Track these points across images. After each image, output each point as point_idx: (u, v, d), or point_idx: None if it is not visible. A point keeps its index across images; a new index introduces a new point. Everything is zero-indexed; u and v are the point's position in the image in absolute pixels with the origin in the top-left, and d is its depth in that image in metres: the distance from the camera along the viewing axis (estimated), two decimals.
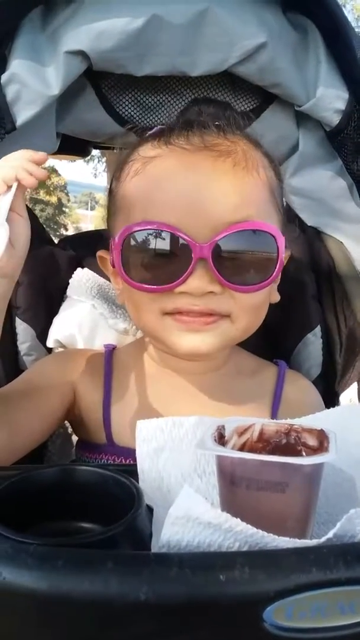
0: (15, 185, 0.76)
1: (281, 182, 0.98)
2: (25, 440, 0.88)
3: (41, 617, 0.45)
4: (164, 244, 0.82)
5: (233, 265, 0.83)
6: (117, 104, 1.09)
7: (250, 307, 0.87)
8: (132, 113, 1.10)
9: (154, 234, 0.82)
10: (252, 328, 0.92)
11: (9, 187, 0.76)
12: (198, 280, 0.82)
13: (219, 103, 1.00)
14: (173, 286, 0.83)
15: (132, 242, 0.84)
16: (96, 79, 1.05)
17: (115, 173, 0.96)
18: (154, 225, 0.82)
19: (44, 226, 1.40)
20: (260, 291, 0.86)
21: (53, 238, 1.31)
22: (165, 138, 0.89)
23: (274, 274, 0.86)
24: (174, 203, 0.83)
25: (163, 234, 0.82)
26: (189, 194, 0.83)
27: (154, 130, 0.94)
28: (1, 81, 0.92)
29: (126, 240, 0.84)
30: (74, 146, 1.23)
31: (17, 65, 0.91)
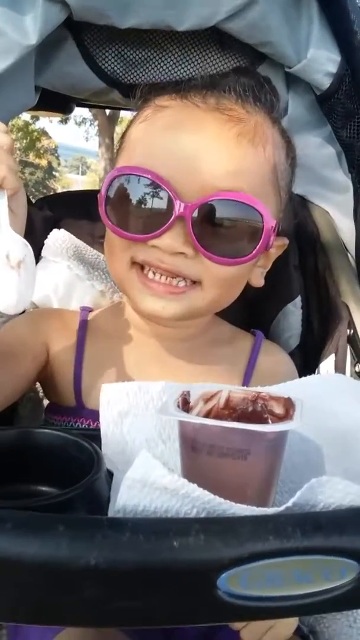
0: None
1: (293, 168, 0.95)
2: (1, 402, 0.86)
3: None
4: (148, 194, 0.81)
5: (212, 233, 0.81)
6: (100, 58, 1.04)
7: (220, 279, 0.85)
8: (116, 68, 1.06)
9: (142, 182, 0.81)
10: (221, 302, 0.91)
11: None
12: (172, 238, 0.81)
13: (259, 76, 0.96)
14: (147, 238, 0.82)
15: (119, 185, 0.84)
16: (78, 31, 1.00)
17: (131, 119, 0.95)
18: (144, 172, 0.81)
19: (34, 190, 1.35)
20: (234, 267, 0.84)
21: None
22: (184, 92, 0.88)
23: (252, 254, 0.83)
24: (169, 155, 0.82)
25: (150, 184, 0.81)
26: (185, 150, 0.82)
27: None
28: None
29: (114, 181, 0.84)
30: (54, 101, 1.18)
31: None
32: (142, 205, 0.82)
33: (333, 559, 0.45)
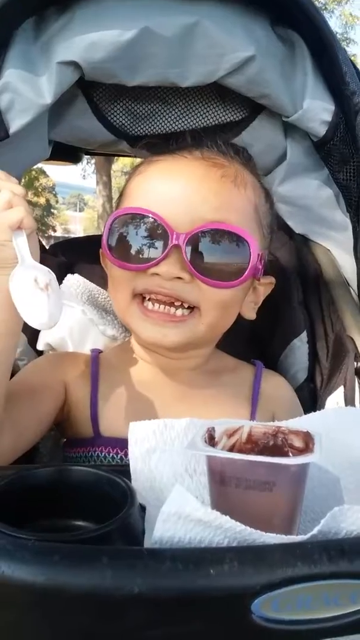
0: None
1: (271, 210, 1.04)
2: (27, 440, 0.91)
3: (39, 610, 0.47)
4: (147, 229, 0.91)
5: (205, 259, 0.90)
6: (109, 113, 1.11)
7: (216, 302, 0.93)
8: (124, 121, 1.12)
9: (140, 218, 0.91)
10: (219, 327, 0.98)
11: (18, 229, 0.79)
12: (169, 265, 0.89)
13: (234, 144, 1.07)
14: (148, 266, 0.90)
15: (120, 224, 0.93)
16: (88, 88, 1.07)
17: (127, 177, 1.05)
18: (143, 211, 0.91)
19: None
20: (227, 290, 0.92)
21: (41, 239, 1.33)
22: (173, 150, 0.99)
23: (243, 277, 0.92)
24: (163, 196, 0.93)
25: (147, 219, 0.91)
26: (177, 190, 0.93)
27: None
28: None
29: (115, 221, 0.93)
30: (65, 152, 1.25)
31: (10, 74, 0.93)
32: (142, 239, 0.91)
33: (358, 582, 0.48)
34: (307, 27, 0.99)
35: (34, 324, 0.77)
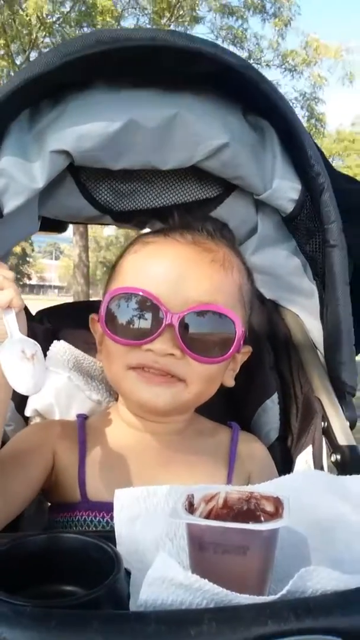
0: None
1: (252, 287, 1.13)
2: (17, 507, 0.95)
3: None
4: (142, 308, 0.98)
5: (195, 338, 0.97)
6: (95, 192, 1.20)
7: (203, 376, 1.00)
8: (108, 199, 1.21)
9: (136, 298, 0.98)
10: (203, 395, 1.05)
11: (8, 308, 0.88)
12: (163, 343, 0.96)
13: (218, 222, 1.16)
14: (142, 343, 0.97)
15: (117, 302, 1.00)
16: (76, 171, 1.16)
17: (120, 253, 1.13)
18: (139, 291, 0.98)
19: None
20: (214, 365, 1.00)
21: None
22: (165, 232, 1.07)
23: (228, 354, 1.00)
24: (157, 277, 0.99)
25: (143, 299, 0.97)
26: (171, 273, 1.00)
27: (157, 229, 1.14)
28: None
29: (113, 299, 1.00)
30: (52, 224, 1.33)
31: (5, 161, 1.01)
32: (137, 317, 0.98)
33: (322, 637, 0.54)
34: (275, 116, 1.09)
35: (21, 390, 0.85)
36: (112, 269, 1.12)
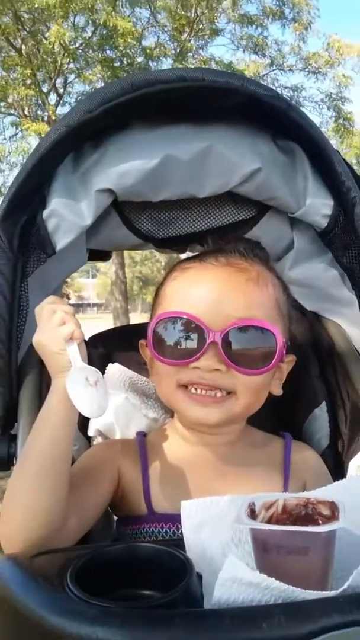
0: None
1: (289, 299, 1.18)
2: (90, 521, 1.03)
3: None
4: (186, 329, 1.04)
5: (238, 352, 1.03)
6: (137, 222, 1.28)
7: (250, 387, 1.06)
8: (150, 228, 1.29)
9: (180, 320, 1.05)
10: (253, 406, 1.11)
11: (70, 340, 0.96)
12: (208, 359, 1.03)
13: (251, 241, 1.22)
14: (189, 362, 1.04)
15: (163, 326, 1.07)
16: (119, 205, 1.24)
17: (161, 281, 1.20)
18: (182, 314, 1.05)
19: None
20: (259, 375, 1.06)
21: None
22: (200, 257, 1.14)
23: (271, 364, 1.05)
24: (198, 300, 1.06)
25: (187, 321, 1.04)
26: (209, 294, 1.07)
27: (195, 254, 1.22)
28: (43, 216, 1.11)
29: (159, 323, 1.07)
30: (99, 255, 1.42)
31: (55, 202, 1.11)
32: (182, 338, 1.05)
33: None
34: (303, 138, 1.15)
35: (87, 413, 0.94)
36: (155, 296, 1.20)
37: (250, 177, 1.16)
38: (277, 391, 1.15)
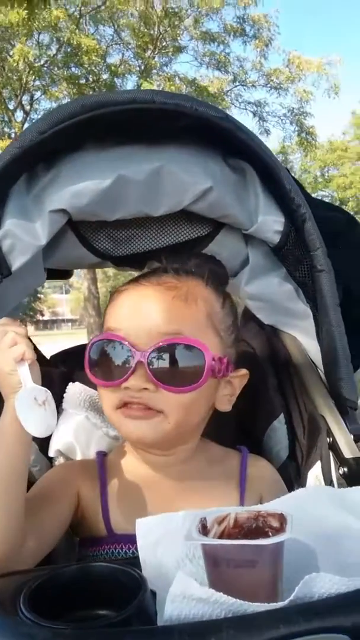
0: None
1: (230, 312, 1.19)
2: (49, 543, 1.03)
3: None
4: (115, 350, 1.07)
5: (164, 370, 1.05)
6: (94, 241, 1.29)
7: (179, 405, 1.06)
8: (107, 246, 1.30)
9: (110, 343, 1.08)
10: (186, 424, 1.10)
11: (21, 361, 0.98)
12: (137, 379, 1.04)
13: (206, 256, 1.26)
14: (120, 382, 1.06)
15: (95, 349, 1.10)
16: (75, 224, 1.25)
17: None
18: (110, 336, 1.08)
19: (22, 314, 1.58)
20: (188, 393, 1.06)
21: (30, 325, 1.49)
22: (137, 278, 1.16)
23: (200, 381, 1.05)
24: (125, 320, 1.09)
25: (115, 343, 1.07)
26: (134, 313, 1.09)
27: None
28: None
29: (91, 347, 1.10)
30: (58, 273, 1.42)
31: (9, 223, 1.11)
32: (113, 359, 1.08)
33: (329, 635, 0.60)
34: (252, 157, 1.18)
35: (35, 433, 0.96)
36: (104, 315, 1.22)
37: (203, 196, 1.18)
38: (225, 407, 1.15)
